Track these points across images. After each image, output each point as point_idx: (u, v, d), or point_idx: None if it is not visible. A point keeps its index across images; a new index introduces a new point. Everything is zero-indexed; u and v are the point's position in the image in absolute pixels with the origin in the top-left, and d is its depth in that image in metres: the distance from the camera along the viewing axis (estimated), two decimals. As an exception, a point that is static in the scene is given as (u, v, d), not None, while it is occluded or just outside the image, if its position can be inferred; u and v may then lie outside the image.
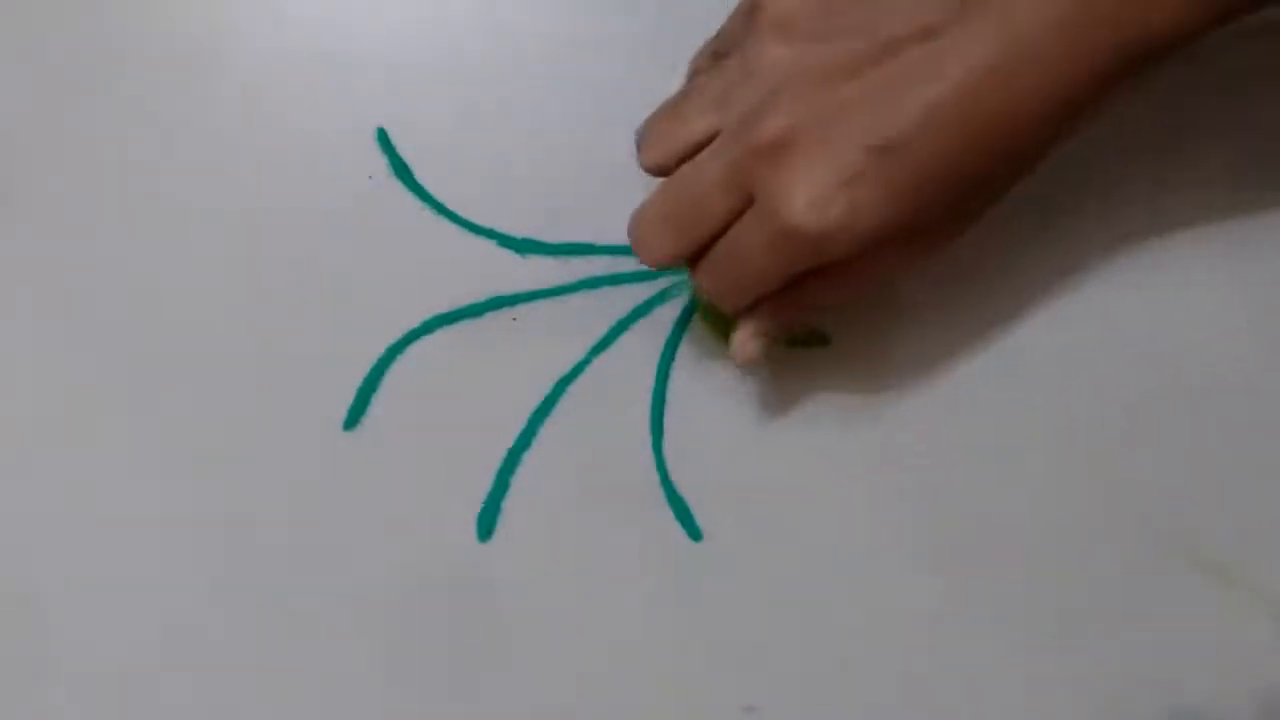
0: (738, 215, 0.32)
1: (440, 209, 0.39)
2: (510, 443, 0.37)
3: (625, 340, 0.38)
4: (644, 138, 0.35)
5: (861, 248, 0.31)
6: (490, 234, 0.39)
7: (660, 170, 0.34)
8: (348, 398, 0.38)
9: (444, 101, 0.40)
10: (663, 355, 0.38)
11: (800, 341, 0.38)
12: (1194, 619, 0.36)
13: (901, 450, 0.37)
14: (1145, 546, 0.36)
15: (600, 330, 0.38)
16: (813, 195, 0.30)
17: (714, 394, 0.38)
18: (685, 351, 0.38)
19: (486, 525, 0.37)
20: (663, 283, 0.39)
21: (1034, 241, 0.39)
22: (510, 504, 0.37)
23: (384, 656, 0.36)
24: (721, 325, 0.38)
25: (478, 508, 0.37)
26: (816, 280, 0.33)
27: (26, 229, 0.39)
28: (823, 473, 0.37)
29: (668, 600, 0.36)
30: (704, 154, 0.33)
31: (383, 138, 0.40)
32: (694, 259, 0.34)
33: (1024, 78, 0.30)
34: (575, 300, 0.39)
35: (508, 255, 0.39)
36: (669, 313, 0.39)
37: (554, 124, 0.40)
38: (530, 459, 0.37)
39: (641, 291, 0.39)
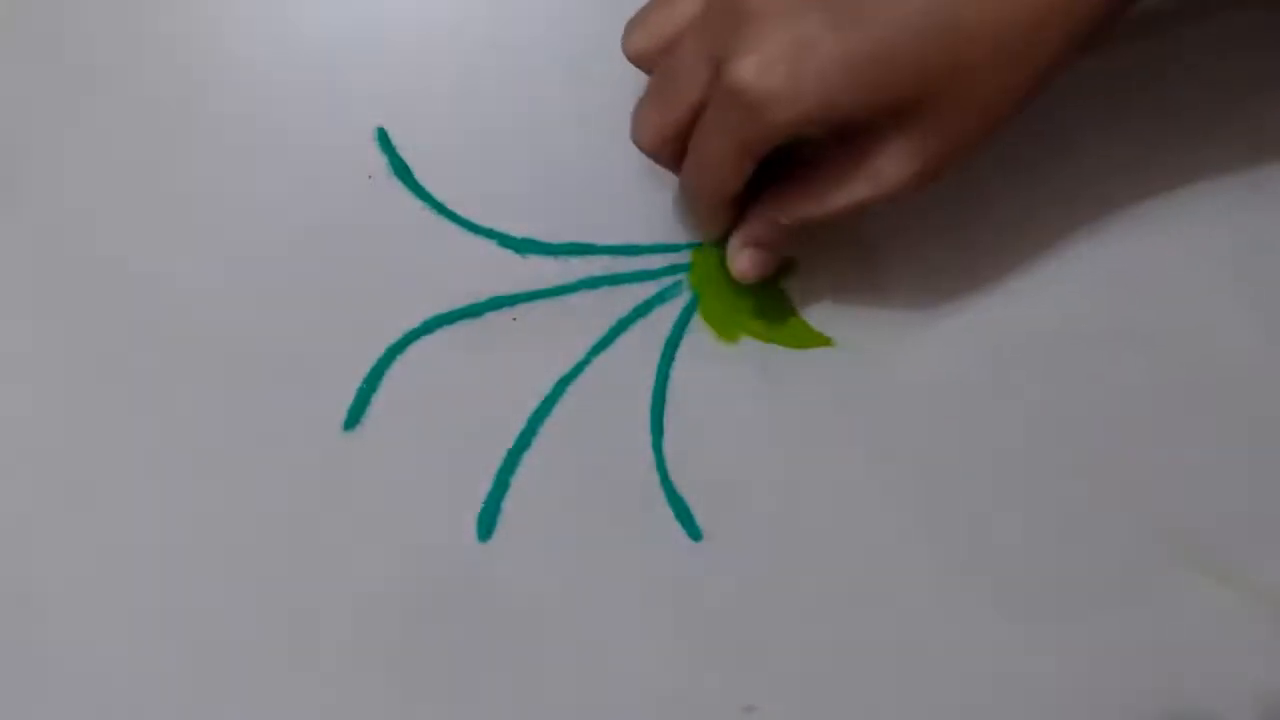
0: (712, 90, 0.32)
1: (440, 209, 0.39)
2: (510, 443, 0.37)
3: (625, 340, 0.38)
4: (631, 25, 0.35)
5: (807, 120, 0.31)
6: (490, 234, 0.39)
7: (639, 56, 0.35)
8: (348, 398, 0.38)
9: (444, 101, 0.40)
10: (663, 355, 0.38)
11: (801, 340, 0.38)
12: (1194, 619, 0.36)
13: (902, 450, 0.37)
14: (1145, 546, 0.36)
15: (600, 330, 0.38)
16: (763, 56, 0.30)
17: (714, 394, 0.38)
18: (685, 351, 0.38)
19: (486, 525, 0.37)
20: (663, 282, 0.39)
21: (1034, 241, 0.39)
22: (510, 504, 0.37)
23: (384, 656, 0.36)
24: (721, 323, 0.38)
25: (478, 508, 0.37)
26: (793, 186, 0.34)
27: (27, 229, 0.39)
28: (823, 472, 0.37)
29: (668, 600, 0.36)
30: (687, 31, 0.33)
31: (383, 138, 0.40)
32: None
33: None
34: (575, 300, 0.39)
35: (508, 255, 0.39)
36: (669, 313, 0.39)
37: (554, 124, 0.40)
38: (530, 459, 0.37)
39: (641, 291, 0.39)
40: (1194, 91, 0.39)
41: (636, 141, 0.35)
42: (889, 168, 0.32)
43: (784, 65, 0.30)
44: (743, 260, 0.36)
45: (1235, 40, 0.40)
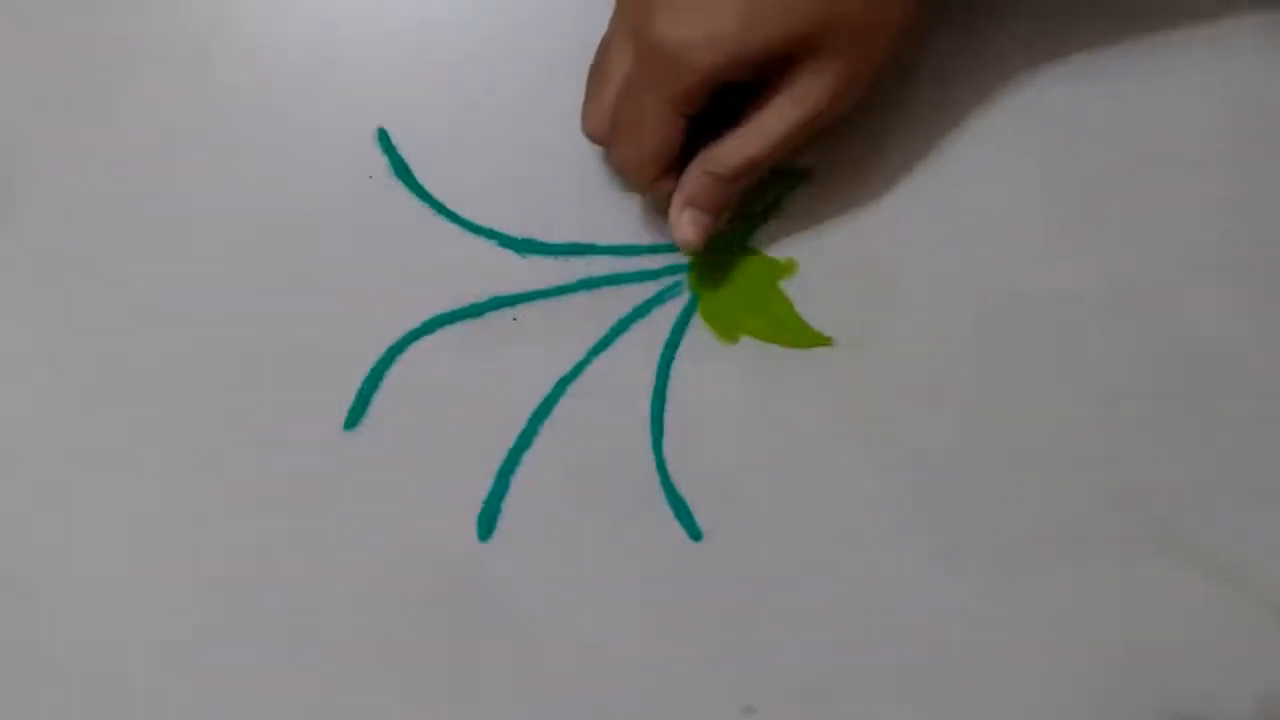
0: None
1: (440, 209, 0.39)
2: (510, 443, 0.37)
3: (625, 340, 0.38)
4: (584, 111, 0.37)
5: (728, 63, 0.33)
6: (490, 234, 0.39)
7: (596, 130, 0.37)
8: (348, 398, 0.38)
9: (444, 101, 0.40)
10: (663, 355, 0.38)
11: (801, 340, 0.38)
12: (1194, 619, 0.36)
13: (901, 450, 0.37)
14: (1145, 546, 0.36)
15: (600, 330, 0.38)
16: (676, 11, 0.33)
17: (714, 394, 0.38)
18: (685, 352, 0.38)
19: (486, 525, 0.37)
20: (663, 282, 0.39)
21: (1032, 242, 0.39)
22: (510, 504, 0.37)
23: (384, 656, 0.36)
24: (722, 323, 0.38)
25: (478, 508, 0.37)
26: (724, 138, 0.35)
27: (27, 229, 0.39)
28: (823, 472, 0.37)
29: (668, 600, 0.36)
30: (611, 26, 0.36)
31: (383, 138, 0.40)
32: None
33: None
34: (575, 300, 0.39)
35: (508, 255, 0.39)
36: (669, 313, 0.39)
37: (554, 124, 0.40)
38: (530, 459, 0.37)
39: (641, 291, 0.39)
40: (1192, 89, 0.39)
41: (584, 132, 0.37)
42: (811, 91, 0.34)
43: (697, 14, 0.33)
44: (684, 225, 0.36)
45: (1234, 36, 0.40)
